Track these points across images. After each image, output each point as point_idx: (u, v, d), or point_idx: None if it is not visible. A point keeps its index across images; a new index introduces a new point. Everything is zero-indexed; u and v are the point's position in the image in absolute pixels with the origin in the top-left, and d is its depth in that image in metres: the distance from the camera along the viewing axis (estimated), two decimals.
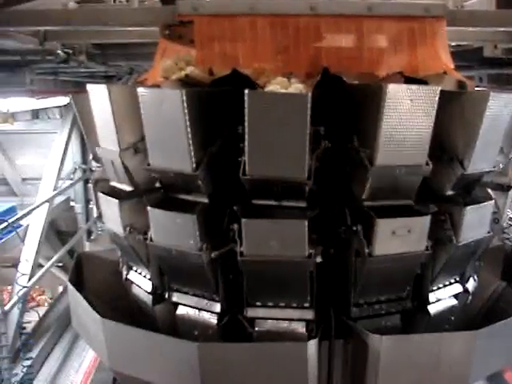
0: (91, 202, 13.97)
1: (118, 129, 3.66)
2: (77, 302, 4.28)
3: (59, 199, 12.33)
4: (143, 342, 3.76)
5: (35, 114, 19.02)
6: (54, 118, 20.61)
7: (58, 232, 13.88)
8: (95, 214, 13.98)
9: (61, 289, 16.74)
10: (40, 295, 18.53)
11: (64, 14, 4.29)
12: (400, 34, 4.38)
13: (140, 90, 3.38)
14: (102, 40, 5.96)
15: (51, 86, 10.53)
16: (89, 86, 3.85)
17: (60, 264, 13.72)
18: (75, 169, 13.37)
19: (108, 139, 3.77)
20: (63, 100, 15.17)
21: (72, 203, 13.79)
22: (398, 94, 3.20)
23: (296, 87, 3.82)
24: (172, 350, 3.64)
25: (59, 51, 6.04)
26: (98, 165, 4.57)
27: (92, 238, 12.92)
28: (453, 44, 5.82)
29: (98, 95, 3.72)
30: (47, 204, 10.96)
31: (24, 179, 14.45)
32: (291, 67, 4.26)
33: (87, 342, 4.63)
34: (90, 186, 13.85)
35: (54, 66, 7.82)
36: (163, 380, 3.81)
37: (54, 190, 11.64)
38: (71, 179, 13.26)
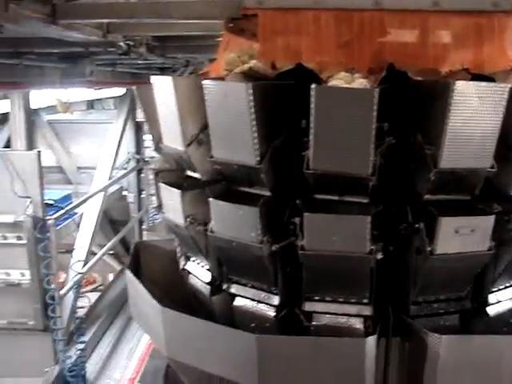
0: (143, 192, 14.17)
1: (182, 120, 3.70)
2: (136, 290, 4.36)
3: (112, 188, 12.55)
4: (202, 331, 3.80)
5: (90, 104, 19.47)
6: (108, 108, 21.08)
7: (110, 220, 14.12)
8: (148, 204, 14.24)
9: (111, 276, 17.08)
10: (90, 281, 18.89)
11: (129, 6, 4.35)
12: (466, 30, 4.29)
13: (206, 82, 3.42)
14: (164, 32, 6.03)
15: (108, 77, 10.74)
16: (153, 78, 3.90)
17: (111, 252, 14.00)
18: (129, 159, 13.58)
19: (172, 131, 3.82)
20: (118, 91, 15.47)
21: (125, 192, 14.00)
22: (466, 92, 3.15)
23: (360, 82, 3.80)
24: (230, 340, 3.67)
25: (121, 43, 6.14)
26: (158, 156, 4.62)
27: (148, 227, 13.14)
28: None
29: (163, 87, 3.77)
30: (102, 193, 11.19)
31: (79, 168, 14.74)
32: (354, 62, 4.23)
33: (144, 329, 4.71)
34: (143, 175, 14.07)
35: (113, 57, 7.97)
36: (220, 370, 3.85)
37: (109, 179, 11.87)
38: (125, 169, 13.49)
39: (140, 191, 14.17)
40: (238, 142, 3.41)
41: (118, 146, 12.46)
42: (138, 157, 13.66)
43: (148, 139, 14.88)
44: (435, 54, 4.33)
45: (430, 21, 4.26)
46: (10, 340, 8.95)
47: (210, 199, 3.63)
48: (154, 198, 13.32)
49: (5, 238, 8.52)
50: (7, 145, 11.33)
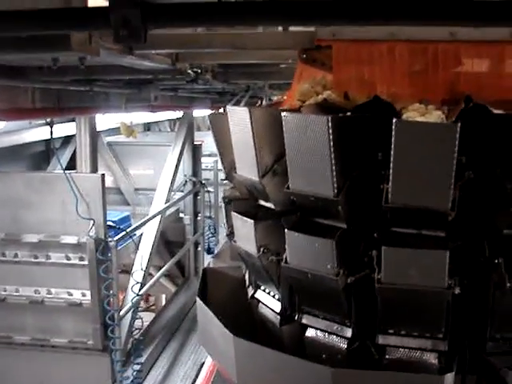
0: (199, 215, 14.29)
1: (258, 151, 3.75)
2: (206, 317, 4.39)
3: (170, 210, 12.71)
4: (274, 362, 3.80)
5: (147, 126, 19.85)
6: (164, 130, 21.46)
7: (166, 242, 14.28)
8: (203, 226, 14.38)
9: (163, 296, 17.24)
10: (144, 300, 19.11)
11: (206, 37, 4.44)
12: None
13: (285, 114, 3.45)
14: (231, 60, 6.13)
15: (169, 101, 10.95)
16: (229, 108, 3.97)
17: (166, 273, 14.14)
18: (186, 181, 13.75)
19: (247, 161, 3.87)
20: (174, 114, 15.73)
21: (181, 214, 14.16)
22: None
23: (436, 114, 3.79)
24: (304, 372, 3.66)
25: (189, 71, 6.27)
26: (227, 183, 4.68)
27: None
28: None
29: (239, 117, 3.83)
30: (160, 215, 11.36)
31: (136, 189, 15.00)
32: (427, 93, 4.22)
33: (213, 357, 4.74)
34: (199, 198, 14.21)
35: (176, 83, 8.13)
36: None
37: (167, 201, 12.04)
38: (182, 191, 13.66)
39: (196, 214, 14.30)
40: (315, 174, 3.43)
41: (176, 168, 12.63)
42: (194, 179, 13.80)
43: (205, 162, 15.09)
44: (510, 85, 4.29)
45: (506, 51, 4.23)
46: (70, 359, 9.10)
47: (286, 230, 3.65)
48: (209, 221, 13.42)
49: (68, 258, 8.68)
50: (68, 166, 11.66)
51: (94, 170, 9.27)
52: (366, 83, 4.23)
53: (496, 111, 3.90)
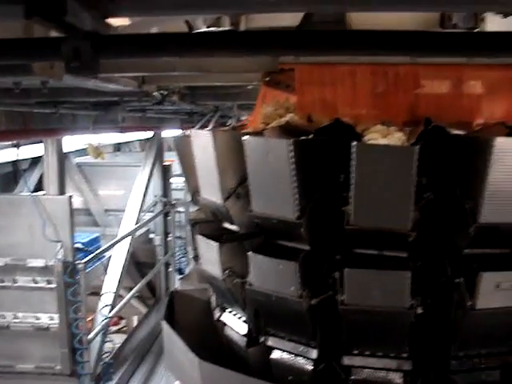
0: (170, 235, 14.23)
1: (221, 174, 3.77)
2: (172, 341, 4.37)
3: (140, 231, 12.63)
4: None
5: (117, 147, 19.74)
6: (135, 150, 21.34)
7: (136, 263, 14.18)
8: (174, 247, 14.30)
9: (135, 318, 17.04)
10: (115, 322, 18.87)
11: (171, 61, 4.45)
12: (500, 82, 4.35)
13: (246, 138, 3.48)
14: (198, 83, 6.15)
15: (138, 122, 10.93)
16: (193, 131, 3.99)
17: (136, 294, 14.01)
18: (156, 202, 13.69)
19: (210, 184, 3.88)
20: (144, 134, 15.68)
21: (151, 235, 14.08)
22: (506, 148, 3.17)
23: (397, 136, 3.85)
24: None
25: (156, 93, 6.27)
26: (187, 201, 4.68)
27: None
28: None
29: (202, 140, 3.84)
30: (130, 236, 11.28)
31: (106, 210, 14.88)
32: (389, 115, 4.28)
33: (180, 380, 4.70)
34: (170, 218, 14.14)
35: (144, 104, 8.12)
36: None
37: (136, 222, 11.97)
38: (152, 212, 13.59)
39: (166, 234, 14.23)
40: (278, 196, 3.46)
41: (146, 189, 12.59)
42: (164, 200, 13.76)
43: (175, 182, 15.04)
44: (469, 106, 4.37)
45: (464, 73, 4.32)
46: None
47: (250, 253, 3.67)
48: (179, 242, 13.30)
49: (35, 281, 8.56)
50: (37, 187, 11.53)
51: (62, 191, 9.17)
52: (329, 105, 4.28)
53: (457, 132, 3.99)
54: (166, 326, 4.47)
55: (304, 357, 3.86)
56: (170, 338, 4.39)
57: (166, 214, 14.14)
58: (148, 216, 13.22)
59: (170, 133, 15.43)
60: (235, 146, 3.67)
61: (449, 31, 4.24)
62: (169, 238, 14.30)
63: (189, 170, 4.35)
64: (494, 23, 4.30)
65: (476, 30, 4.18)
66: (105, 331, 9.92)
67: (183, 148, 4.34)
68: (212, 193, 3.93)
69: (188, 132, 4.24)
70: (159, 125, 12.84)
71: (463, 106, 4.36)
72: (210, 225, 4.32)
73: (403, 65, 4.24)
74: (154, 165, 13.15)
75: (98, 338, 9.57)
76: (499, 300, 3.45)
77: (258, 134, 3.88)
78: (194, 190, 4.37)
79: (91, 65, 2.20)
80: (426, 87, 4.38)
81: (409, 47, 2.75)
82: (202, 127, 9.78)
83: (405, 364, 3.71)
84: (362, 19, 4.23)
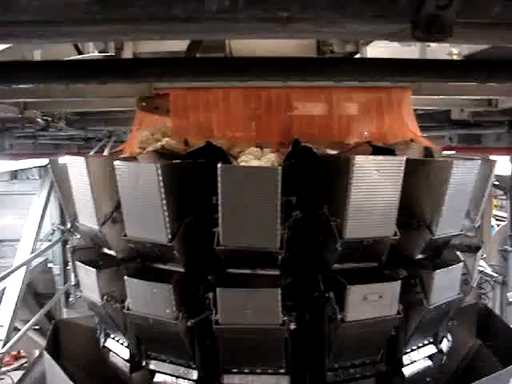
0: (69, 264, 13.82)
1: (96, 200, 3.75)
2: (53, 371, 4.27)
3: (37, 261, 12.22)
4: None
5: (13, 174, 19.04)
6: (32, 178, 20.62)
7: (34, 294, 13.70)
8: (73, 278, 13.89)
9: (37, 352, 16.41)
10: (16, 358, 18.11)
11: (46, 90, 4.41)
12: (369, 103, 4.57)
13: (117, 163, 3.50)
14: (81, 109, 6.10)
15: (31, 148, 10.63)
16: (67, 158, 3.95)
17: (36, 327, 13.51)
18: (53, 230, 13.32)
19: (86, 210, 3.86)
20: (42, 161, 15.23)
21: (50, 265, 13.66)
22: (364, 166, 3.33)
23: (268, 158, 3.97)
24: None
25: (39, 119, 6.16)
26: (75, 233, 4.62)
27: (69, 303, 12.79)
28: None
29: (77, 167, 3.82)
30: (25, 267, 10.89)
31: (1, 241, 14.34)
32: (263, 137, 4.41)
33: None
34: (68, 247, 13.76)
35: (33, 130, 7.93)
36: None
37: (32, 251, 11.58)
38: (49, 240, 13.20)
39: (66, 263, 13.83)
40: (149, 220, 3.49)
41: (42, 217, 12.21)
42: (62, 228, 13.40)
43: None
44: (340, 126, 4.57)
45: (333, 95, 4.51)
46: None
47: (125, 277, 3.67)
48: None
49: None
50: None
51: None
52: (205, 129, 4.36)
53: (328, 152, 4.16)
54: (47, 357, 4.36)
55: (185, 378, 3.88)
56: (52, 368, 4.29)
57: (65, 242, 13.76)
58: (45, 245, 12.82)
59: (67, 159, 15.07)
60: (109, 172, 3.67)
61: (319, 57, 4.45)
62: (68, 267, 13.90)
63: (66, 198, 4.30)
64: (375, 47, 4.57)
65: (357, 56, 4.41)
66: None
67: (60, 175, 4.29)
68: (89, 219, 3.90)
69: (63, 159, 4.18)
70: (55, 151, 12.53)
71: (335, 127, 4.54)
72: (89, 251, 4.28)
73: (276, 88, 4.38)
74: (49, 192, 12.79)
75: None
76: (367, 311, 3.61)
77: (131, 159, 3.90)
78: (73, 217, 4.32)
79: None
80: (299, 109, 4.54)
81: (281, 72, 2.87)
82: (98, 153, 9.70)
83: (283, 379, 3.79)
84: (242, 46, 4.37)
